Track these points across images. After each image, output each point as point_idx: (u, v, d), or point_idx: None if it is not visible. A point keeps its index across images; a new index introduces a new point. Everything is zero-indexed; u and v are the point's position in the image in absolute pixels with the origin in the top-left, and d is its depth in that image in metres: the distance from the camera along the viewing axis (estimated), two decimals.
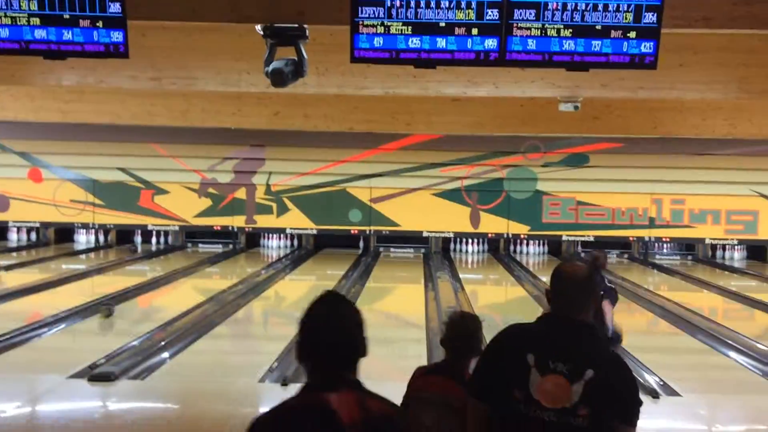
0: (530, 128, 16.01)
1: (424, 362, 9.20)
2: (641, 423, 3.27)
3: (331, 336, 2.50)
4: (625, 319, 13.01)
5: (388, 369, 9.63)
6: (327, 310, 2.55)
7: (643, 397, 3.34)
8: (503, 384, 3.15)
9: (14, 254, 20.27)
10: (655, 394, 8.05)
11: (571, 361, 3.08)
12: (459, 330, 3.82)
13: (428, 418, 3.67)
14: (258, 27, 6.73)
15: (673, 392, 8.30)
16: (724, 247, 22.06)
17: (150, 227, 21.92)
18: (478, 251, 22.26)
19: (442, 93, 11.86)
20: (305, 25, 6.63)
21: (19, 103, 14.81)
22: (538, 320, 3.35)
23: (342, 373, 2.50)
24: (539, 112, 14.15)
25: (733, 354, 10.60)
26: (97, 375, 8.35)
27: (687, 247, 22.31)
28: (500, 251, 22.02)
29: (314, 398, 2.43)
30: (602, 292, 8.15)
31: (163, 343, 10.20)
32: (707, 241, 21.80)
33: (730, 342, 11.14)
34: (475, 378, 3.37)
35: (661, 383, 8.52)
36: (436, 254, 21.31)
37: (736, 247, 22.00)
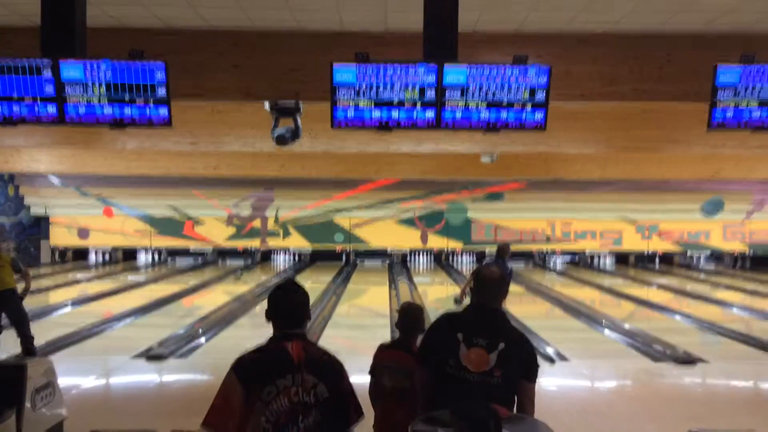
0: (462, 174, 16.12)
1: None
2: (542, 380, 3.27)
3: (289, 306, 2.79)
4: (530, 308, 13.10)
5: (364, 347, 9.51)
6: (286, 290, 2.83)
7: (541, 362, 3.34)
8: (441, 355, 3.13)
9: (92, 270, 19.98)
10: (551, 360, 8.07)
11: (489, 337, 3.07)
12: (407, 315, 3.81)
13: (388, 381, 3.68)
14: (266, 104, 6.73)
15: (564, 358, 8.30)
16: (599, 256, 22.21)
17: (191, 249, 21.73)
18: (427, 261, 22.25)
19: (400, 150, 11.92)
20: (300, 102, 6.64)
21: (96, 161, 14.72)
22: (464, 309, 3.35)
23: (294, 330, 2.76)
24: (468, 162, 14.26)
25: (606, 331, 10.64)
26: (153, 355, 8.22)
27: (572, 256, 22.43)
28: (442, 261, 22.02)
29: (277, 345, 2.73)
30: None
31: (200, 331, 10.07)
32: (587, 252, 21.96)
33: (603, 322, 11.18)
34: (421, 351, 3.36)
35: (556, 352, 8.52)
36: (397, 264, 21.27)
37: (607, 255, 22.15)
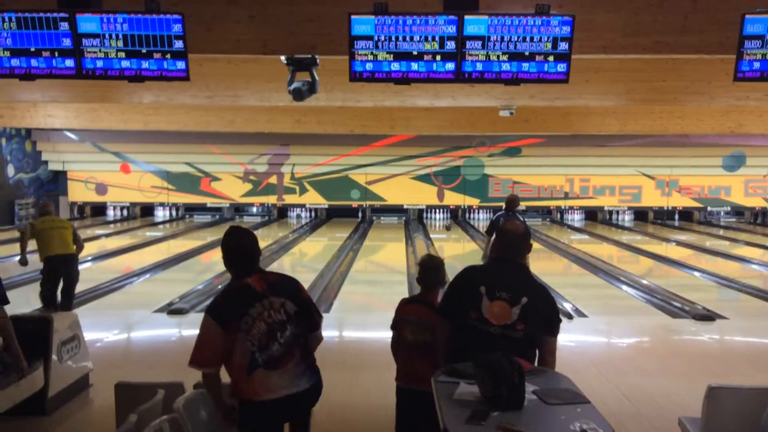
0: (479, 129, 15.94)
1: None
2: (561, 336, 3.28)
3: (245, 250, 3.22)
4: (548, 264, 13.10)
5: (382, 302, 9.63)
6: (239, 236, 3.26)
7: (561, 317, 3.34)
8: (463, 307, 3.15)
9: (111, 226, 20.18)
10: (570, 316, 8.08)
11: (512, 291, 3.08)
12: (427, 268, 3.81)
13: (409, 334, 3.71)
14: (282, 57, 6.65)
15: (582, 314, 8.33)
16: (617, 212, 22.09)
17: (209, 205, 21.87)
18: (443, 218, 22.26)
19: (416, 104, 11.77)
20: (316, 56, 6.56)
21: (112, 116, 14.68)
22: (487, 263, 3.35)
23: (252, 267, 3.20)
24: (485, 117, 14.09)
25: (624, 287, 10.64)
26: (174, 309, 8.35)
27: (591, 213, 22.32)
28: (458, 218, 22.02)
29: (240, 282, 3.16)
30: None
31: (219, 286, 10.18)
32: (606, 208, 21.84)
33: (622, 278, 11.19)
34: (444, 303, 3.38)
35: (574, 308, 8.55)
36: (413, 221, 21.30)
37: (626, 211, 22.03)
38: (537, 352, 3.14)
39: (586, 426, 2.40)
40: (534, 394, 2.69)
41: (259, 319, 3.06)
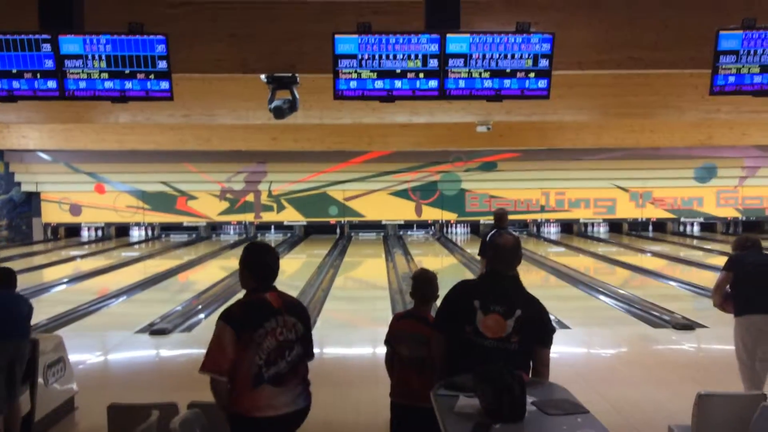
0: (456, 144, 16.12)
1: (388, 314, 9.20)
2: None
3: (267, 264, 3.28)
4: (527, 276, 13.14)
5: (362, 319, 9.65)
6: (264, 252, 3.34)
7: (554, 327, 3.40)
8: (458, 322, 3.19)
9: (86, 246, 19.93)
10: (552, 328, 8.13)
11: (505, 304, 3.12)
12: (421, 282, 3.83)
13: (404, 349, 3.72)
14: (262, 76, 6.67)
15: (565, 326, 8.41)
16: (593, 224, 22.32)
17: (185, 224, 21.69)
18: (421, 233, 22.35)
19: (394, 120, 11.87)
20: (297, 74, 6.59)
21: (87, 136, 14.61)
22: (480, 276, 3.40)
23: (269, 283, 3.26)
24: (462, 132, 14.22)
25: (603, 298, 10.76)
26: (155, 330, 8.27)
27: (566, 226, 22.52)
28: (436, 233, 22.10)
29: (257, 297, 3.21)
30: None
31: (199, 306, 10.12)
32: (581, 221, 22.07)
33: (601, 290, 11.31)
34: (438, 317, 3.41)
35: (557, 320, 8.61)
36: (392, 236, 21.33)
37: (601, 224, 22.27)
38: (531, 363, 3.18)
39: None
40: (533, 405, 2.73)
41: (271, 335, 3.11)
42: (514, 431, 2.49)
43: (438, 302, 3.57)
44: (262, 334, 3.09)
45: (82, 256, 17.50)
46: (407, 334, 3.72)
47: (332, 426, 5.17)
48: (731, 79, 5.38)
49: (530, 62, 5.22)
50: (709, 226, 22.11)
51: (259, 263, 3.26)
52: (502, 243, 3.33)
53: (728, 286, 5.35)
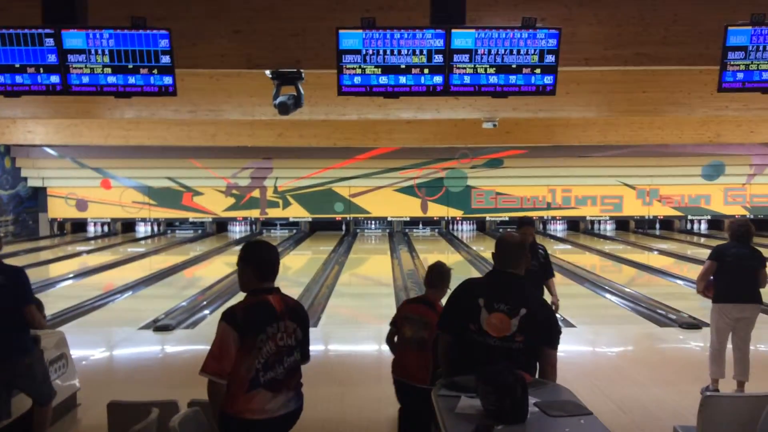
0: (462, 141, 16.03)
1: (393, 311, 9.15)
2: None
3: (266, 262, 3.19)
4: None
5: (367, 315, 9.61)
6: (266, 249, 3.24)
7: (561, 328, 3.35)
8: (462, 320, 3.15)
9: (92, 242, 19.95)
10: None
11: (510, 303, 3.08)
12: (434, 269, 4.14)
13: (408, 330, 4.05)
14: (267, 72, 6.64)
15: (570, 324, 8.36)
16: (599, 222, 22.25)
17: (191, 219, 21.73)
18: (427, 229, 22.31)
19: (399, 117, 11.81)
20: (301, 70, 6.55)
21: (93, 132, 14.55)
22: (486, 275, 3.36)
23: (271, 285, 3.18)
24: (468, 129, 14.15)
25: (609, 296, 10.71)
26: (159, 326, 8.26)
27: (573, 223, 22.45)
28: (442, 229, 22.06)
29: (259, 298, 3.12)
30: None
31: (204, 302, 10.11)
32: (587, 218, 22.00)
33: (607, 288, 11.26)
34: (443, 317, 3.38)
35: (562, 318, 8.55)
36: (398, 233, 21.30)
37: (607, 221, 22.19)
38: (537, 364, 3.14)
39: None
40: (536, 406, 2.69)
41: (271, 339, 3.07)
42: None
43: (444, 300, 3.64)
44: (263, 338, 3.04)
45: (88, 252, 17.53)
46: (413, 316, 4.03)
47: (335, 423, 5.14)
48: (740, 75, 5.30)
49: (536, 58, 5.16)
50: (717, 223, 21.98)
51: (260, 259, 3.19)
52: (506, 240, 3.28)
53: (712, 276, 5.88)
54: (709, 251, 6.14)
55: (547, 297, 5.81)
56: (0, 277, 4.11)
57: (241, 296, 3.27)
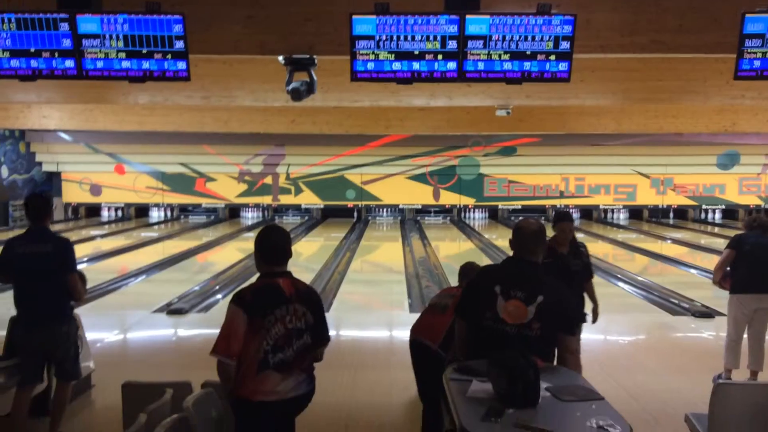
0: (474, 129, 15.93)
1: (404, 298, 9.22)
2: None
3: (277, 246, 3.25)
4: None
5: (379, 302, 9.65)
6: (276, 233, 3.29)
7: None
8: (479, 307, 3.15)
9: (106, 227, 20.12)
10: None
11: (527, 290, 3.07)
12: (470, 266, 4.63)
13: (434, 298, 4.71)
14: (280, 58, 6.63)
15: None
16: (612, 211, 22.16)
17: (204, 205, 21.84)
18: (439, 217, 22.29)
19: (412, 104, 11.76)
20: (314, 56, 6.54)
21: (107, 117, 14.60)
22: (503, 262, 3.35)
23: (282, 268, 3.24)
24: (481, 116, 14.08)
25: (621, 284, 10.69)
26: (173, 310, 8.33)
27: (586, 212, 22.37)
28: (454, 217, 22.04)
29: (270, 281, 3.18)
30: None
31: (217, 287, 10.18)
32: (601, 207, 21.91)
33: (619, 276, 11.23)
34: (460, 303, 3.38)
35: None
36: (409, 220, 21.31)
37: (621, 210, 22.10)
38: (555, 351, 3.14)
39: (602, 422, 2.41)
40: (547, 391, 2.70)
41: (280, 322, 3.10)
42: (527, 416, 2.46)
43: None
44: (271, 320, 3.08)
45: (102, 236, 17.67)
46: (444, 294, 4.69)
47: (346, 406, 5.18)
48: (757, 63, 5.24)
49: (551, 44, 5.13)
50: (731, 213, 21.83)
51: (269, 244, 3.23)
52: (523, 227, 3.26)
53: (729, 267, 5.79)
54: (722, 241, 6.12)
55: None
56: (48, 245, 4.50)
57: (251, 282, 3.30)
